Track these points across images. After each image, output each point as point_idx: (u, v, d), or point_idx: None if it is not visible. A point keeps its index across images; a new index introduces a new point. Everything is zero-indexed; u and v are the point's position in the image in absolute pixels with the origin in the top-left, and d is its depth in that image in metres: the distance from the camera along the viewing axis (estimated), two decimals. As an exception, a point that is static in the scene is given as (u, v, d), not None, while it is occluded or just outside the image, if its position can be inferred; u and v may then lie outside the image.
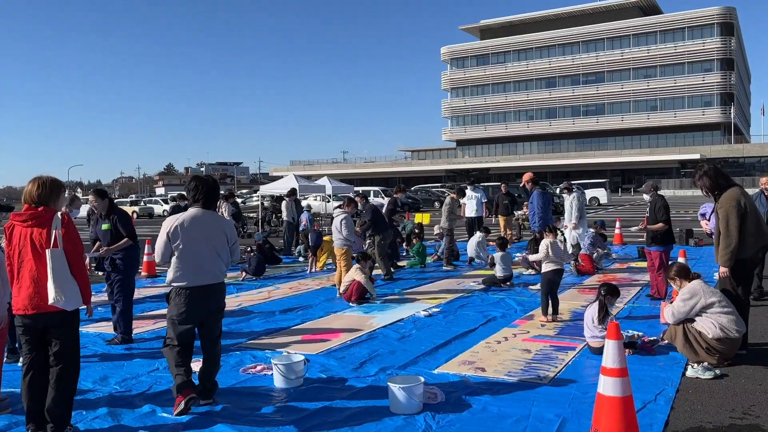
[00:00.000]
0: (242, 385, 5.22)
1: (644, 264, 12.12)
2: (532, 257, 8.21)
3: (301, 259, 14.03)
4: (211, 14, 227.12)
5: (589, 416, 4.32)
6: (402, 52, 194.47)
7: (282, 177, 26.78)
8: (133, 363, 5.97)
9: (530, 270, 11.24)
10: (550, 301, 7.55)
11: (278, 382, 5.18)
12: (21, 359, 4.33)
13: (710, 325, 5.48)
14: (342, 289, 9.01)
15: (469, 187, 15.11)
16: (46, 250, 4.02)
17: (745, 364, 5.51)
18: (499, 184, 21.39)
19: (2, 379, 4.72)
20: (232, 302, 8.90)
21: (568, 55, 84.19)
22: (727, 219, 5.67)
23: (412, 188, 53.09)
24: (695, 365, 5.31)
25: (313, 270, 12.15)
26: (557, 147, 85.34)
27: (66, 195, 4.37)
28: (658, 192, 8.91)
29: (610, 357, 3.87)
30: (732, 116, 75.21)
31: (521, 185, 13.75)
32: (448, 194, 13.13)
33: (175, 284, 4.51)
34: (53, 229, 4.07)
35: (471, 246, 12.75)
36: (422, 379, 4.64)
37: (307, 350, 6.19)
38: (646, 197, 8.91)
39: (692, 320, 5.65)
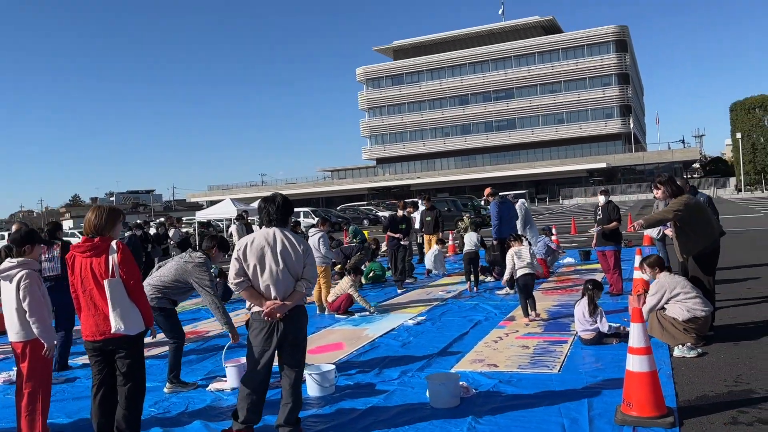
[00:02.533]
0: (274, 398, 5.44)
1: (588, 266, 13.14)
2: (505, 277, 8.67)
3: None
4: (104, 38, 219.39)
5: (606, 395, 4.90)
6: (317, 74, 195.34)
7: (200, 203, 26.46)
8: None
9: (489, 277, 11.92)
10: (528, 303, 8.15)
11: (312, 390, 5.44)
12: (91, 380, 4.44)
13: (679, 310, 6.23)
14: (331, 298, 9.31)
15: (420, 202, 15.72)
16: (105, 281, 4.19)
17: (718, 342, 6.27)
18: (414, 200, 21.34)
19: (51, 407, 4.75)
20: (214, 327, 8.96)
21: (479, 73, 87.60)
22: (672, 207, 6.53)
23: (338, 207, 53.59)
24: (680, 346, 6.01)
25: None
26: (473, 161, 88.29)
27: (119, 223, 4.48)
28: (608, 195, 9.89)
29: (636, 338, 4.43)
30: (631, 127, 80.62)
31: (483, 199, 14.24)
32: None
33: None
34: (110, 260, 4.23)
35: (428, 259, 13.29)
36: (458, 375, 5.06)
37: (321, 362, 6.45)
38: (601, 199, 9.79)
39: (664, 309, 6.39)
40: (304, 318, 4.51)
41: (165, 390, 5.86)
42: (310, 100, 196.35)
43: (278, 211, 4.44)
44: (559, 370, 5.71)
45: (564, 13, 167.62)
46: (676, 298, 6.32)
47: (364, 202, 61.26)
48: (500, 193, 11.71)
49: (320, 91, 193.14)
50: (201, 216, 27.41)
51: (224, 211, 24.22)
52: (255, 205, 24.80)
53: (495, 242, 11.47)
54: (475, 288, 10.84)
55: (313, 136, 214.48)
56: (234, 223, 16.52)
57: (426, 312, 9.14)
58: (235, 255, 4.33)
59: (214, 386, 5.91)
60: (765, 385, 4.97)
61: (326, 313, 9.57)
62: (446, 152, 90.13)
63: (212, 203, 51.00)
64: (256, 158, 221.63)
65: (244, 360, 5.59)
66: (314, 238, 9.79)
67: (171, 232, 16.26)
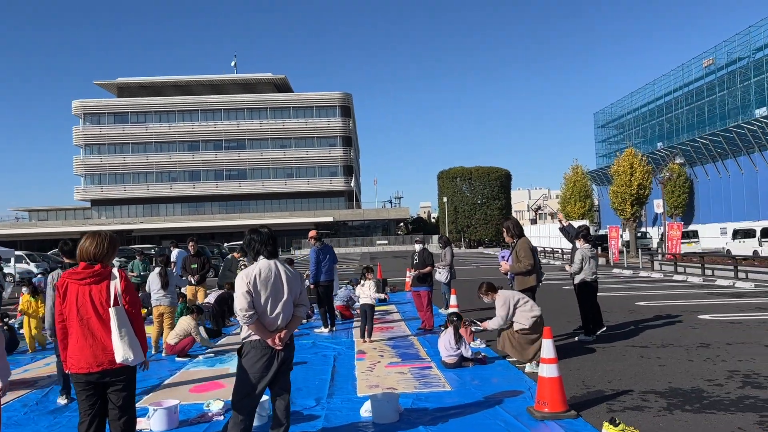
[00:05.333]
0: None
1: (384, 307, 14.54)
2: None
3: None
4: None
5: (507, 402, 6.01)
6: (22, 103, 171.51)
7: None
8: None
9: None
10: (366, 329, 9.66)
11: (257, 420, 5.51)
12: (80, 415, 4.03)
13: (525, 317, 7.46)
14: (173, 340, 8.93)
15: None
16: (110, 309, 4.01)
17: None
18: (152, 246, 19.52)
19: None
20: (48, 370, 7.98)
21: (211, 120, 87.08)
22: (525, 251, 8.15)
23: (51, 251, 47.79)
24: (530, 363, 7.44)
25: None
26: (201, 209, 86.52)
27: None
28: (423, 244, 11.38)
29: (546, 351, 5.62)
30: (352, 185, 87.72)
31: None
32: (232, 254, 13.30)
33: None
34: (113, 287, 4.05)
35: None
36: (398, 394, 5.68)
37: (215, 398, 6.42)
38: (417, 247, 11.22)
39: (511, 325, 7.66)
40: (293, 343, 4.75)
41: None
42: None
43: (274, 244, 4.68)
44: (452, 388, 6.67)
45: (294, 73, 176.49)
46: (519, 305, 7.55)
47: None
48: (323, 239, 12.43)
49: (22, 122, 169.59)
50: None
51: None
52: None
53: (311, 286, 12.08)
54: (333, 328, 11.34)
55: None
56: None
57: (271, 351, 9.36)
58: (245, 288, 4.37)
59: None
60: (607, 385, 6.61)
61: (164, 354, 9.14)
62: (173, 198, 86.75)
63: None
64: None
65: (167, 402, 5.44)
66: (175, 277, 9.47)
67: None
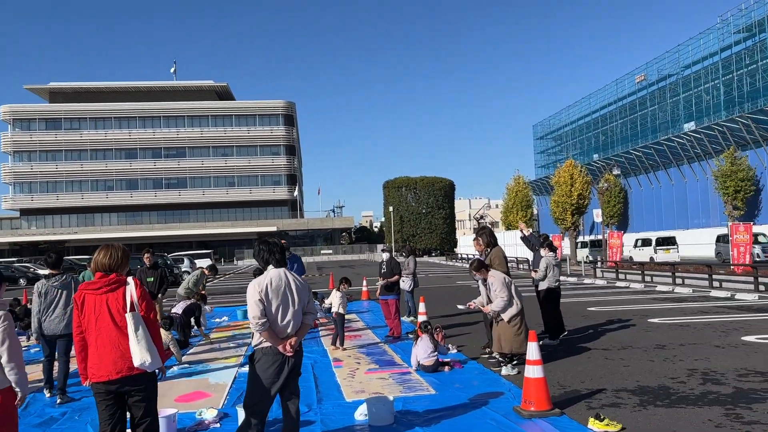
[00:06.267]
0: None
1: (346, 316, 14.66)
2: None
3: None
4: None
5: (492, 403, 6.31)
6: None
7: None
8: None
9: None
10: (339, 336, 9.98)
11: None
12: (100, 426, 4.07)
13: (516, 302, 7.76)
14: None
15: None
16: (127, 314, 4.09)
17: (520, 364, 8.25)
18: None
19: None
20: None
21: (149, 128, 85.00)
22: (498, 261, 8.50)
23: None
24: (505, 366, 7.77)
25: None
26: (139, 218, 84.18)
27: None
28: (390, 253, 11.65)
29: (532, 353, 5.94)
30: (296, 194, 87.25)
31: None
32: (201, 269, 13.07)
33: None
34: (128, 294, 4.13)
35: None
36: (393, 398, 5.89)
37: (202, 407, 6.47)
38: (385, 256, 11.46)
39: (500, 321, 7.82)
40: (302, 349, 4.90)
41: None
42: None
43: (282, 253, 4.82)
44: (435, 392, 6.92)
45: (236, 81, 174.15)
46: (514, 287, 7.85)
47: (14, 259, 53.24)
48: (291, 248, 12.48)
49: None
50: None
51: None
52: None
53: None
54: None
55: None
56: None
57: (244, 360, 9.38)
58: (258, 297, 4.49)
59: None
60: (581, 385, 7.01)
61: None
62: (109, 207, 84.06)
63: None
64: None
65: (165, 411, 5.48)
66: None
67: None
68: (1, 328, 3.97)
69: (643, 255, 34.97)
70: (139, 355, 4.03)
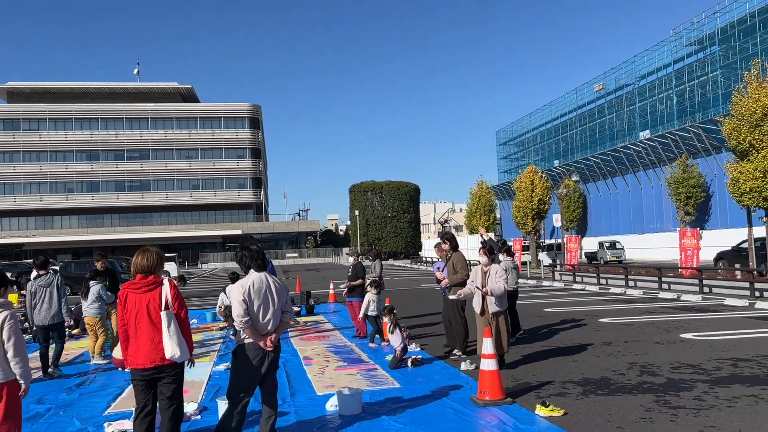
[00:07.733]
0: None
1: (314, 318, 15.20)
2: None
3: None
4: None
5: (452, 394, 6.94)
6: None
7: None
8: None
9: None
10: None
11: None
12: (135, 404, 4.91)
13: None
14: (117, 353, 9.24)
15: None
16: (162, 312, 4.75)
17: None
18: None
19: None
20: None
21: (111, 129, 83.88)
22: (461, 263, 9.18)
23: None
24: (464, 362, 8.42)
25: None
26: (101, 221, 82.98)
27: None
28: (360, 257, 12.22)
29: (487, 348, 6.59)
30: (261, 197, 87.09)
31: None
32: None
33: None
34: (163, 294, 4.80)
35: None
36: (362, 390, 6.46)
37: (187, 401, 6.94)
38: (351, 260, 12.03)
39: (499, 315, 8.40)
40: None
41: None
42: None
43: (263, 259, 5.37)
44: (400, 385, 7.52)
45: (201, 83, 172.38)
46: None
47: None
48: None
49: None
50: None
51: None
52: None
53: None
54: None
55: None
56: None
57: (217, 360, 9.84)
58: (241, 297, 5.02)
59: (111, 429, 5.98)
60: (532, 377, 7.70)
61: (105, 363, 9.56)
62: (69, 209, 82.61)
63: None
64: None
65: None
66: (95, 289, 9.78)
67: None
68: (7, 326, 4.43)
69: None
70: (171, 348, 4.69)
